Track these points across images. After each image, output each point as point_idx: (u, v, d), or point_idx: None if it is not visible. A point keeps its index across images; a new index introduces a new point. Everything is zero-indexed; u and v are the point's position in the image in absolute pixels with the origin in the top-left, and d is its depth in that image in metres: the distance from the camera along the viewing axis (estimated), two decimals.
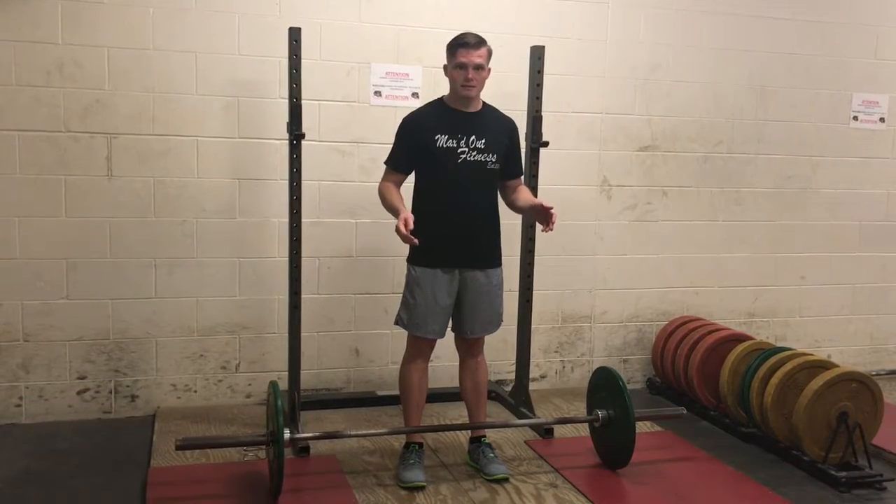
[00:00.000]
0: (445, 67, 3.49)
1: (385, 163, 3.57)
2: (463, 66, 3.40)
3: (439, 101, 3.57)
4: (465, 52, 3.39)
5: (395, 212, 3.39)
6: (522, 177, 3.72)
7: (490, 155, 3.50)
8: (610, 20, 4.76)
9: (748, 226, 5.18)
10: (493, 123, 3.56)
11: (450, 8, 4.48)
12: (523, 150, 4.13)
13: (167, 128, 4.19)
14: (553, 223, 3.43)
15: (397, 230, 3.26)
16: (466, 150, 3.46)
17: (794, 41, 5.09)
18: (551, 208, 3.40)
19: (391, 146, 3.56)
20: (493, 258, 3.60)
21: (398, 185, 3.55)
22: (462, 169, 3.46)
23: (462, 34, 3.45)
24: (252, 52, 4.24)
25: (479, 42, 3.42)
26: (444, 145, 3.44)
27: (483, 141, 3.48)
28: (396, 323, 3.62)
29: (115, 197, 4.16)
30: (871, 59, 5.27)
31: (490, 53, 3.47)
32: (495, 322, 3.66)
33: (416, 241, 3.25)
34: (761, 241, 5.22)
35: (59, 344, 4.18)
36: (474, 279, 3.54)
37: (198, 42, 4.17)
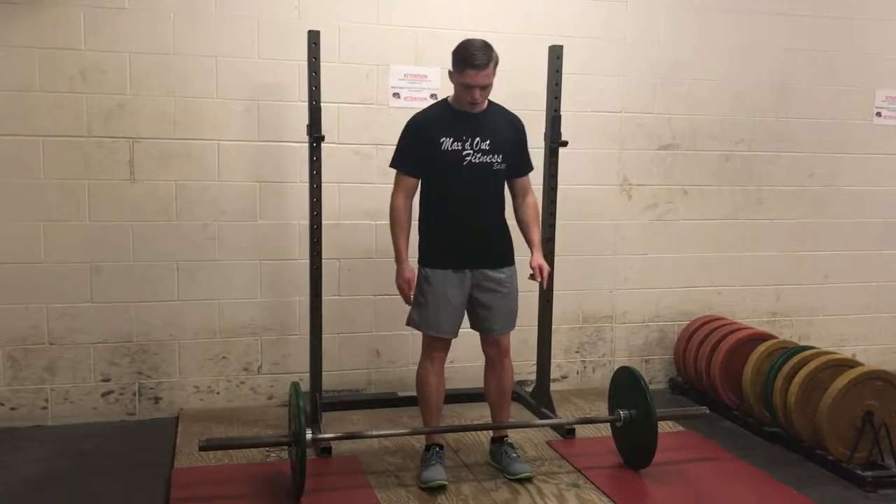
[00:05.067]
0: (451, 73, 3.43)
1: (393, 166, 3.53)
2: (469, 87, 3.35)
3: (444, 103, 3.55)
4: (473, 73, 3.31)
5: (398, 255, 3.49)
6: (529, 175, 3.67)
7: (496, 156, 3.47)
8: (628, 19, 4.75)
9: (770, 224, 5.15)
10: (499, 123, 3.53)
11: (467, 9, 4.49)
12: (542, 151, 4.14)
13: (188, 132, 4.23)
14: (543, 280, 3.59)
15: (399, 287, 3.50)
16: (471, 151, 3.44)
17: (815, 37, 5.05)
18: (541, 276, 3.55)
19: (396, 148, 3.54)
20: (503, 257, 3.58)
21: (411, 195, 3.52)
22: (468, 171, 3.44)
23: (469, 48, 3.34)
24: (271, 56, 4.27)
25: (487, 61, 3.31)
26: (450, 148, 3.42)
27: (488, 142, 3.45)
28: (408, 323, 3.62)
29: (137, 201, 4.20)
30: (893, 55, 5.22)
31: (497, 63, 3.38)
32: (513, 318, 3.65)
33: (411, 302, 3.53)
34: (783, 240, 5.18)
35: (84, 347, 4.22)
36: (486, 278, 3.53)
37: (218, 46, 4.21)
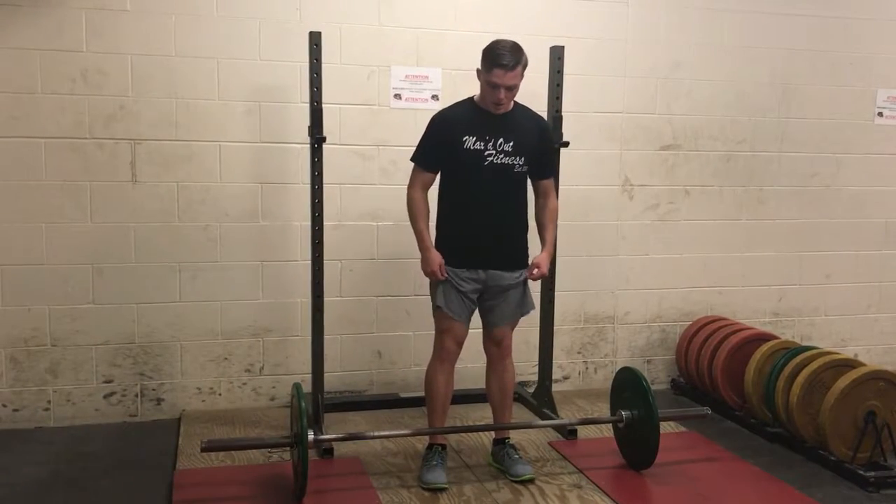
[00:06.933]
0: (479, 72, 3.42)
1: (413, 160, 3.54)
2: (496, 87, 3.35)
3: (470, 101, 3.53)
4: (500, 73, 3.31)
5: (421, 242, 3.48)
6: (552, 179, 3.69)
7: (517, 158, 3.46)
8: (630, 19, 4.74)
9: (772, 224, 5.14)
10: (523, 124, 3.51)
11: (469, 10, 4.48)
12: None
13: (190, 133, 4.23)
14: (533, 277, 3.60)
15: (430, 272, 3.47)
16: (493, 152, 3.43)
17: (817, 37, 5.04)
18: (533, 274, 3.57)
19: (418, 142, 3.54)
20: (518, 260, 3.59)
21: (427, 188, 3.53)
22: (488, 172, 3.44)
23: (500, 48, 3.34)
24: (273, 57, 4.27)
25: (516, 63, 3.32)
26: (472, 147, 3.42)
27: (511, 144, 3.44)
28: (435, 307, 3.56)
29: (139, 202, 4.20)
30: (895, 55, 5.21)
31: (525, 65, 3.39)
32: (523, 310, 3.64)
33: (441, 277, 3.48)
34: (785, 240, 5.17)
35: (86, 348, 4.23)
36: (499, 278, 3.54)
37: (219, 48, 4.21)
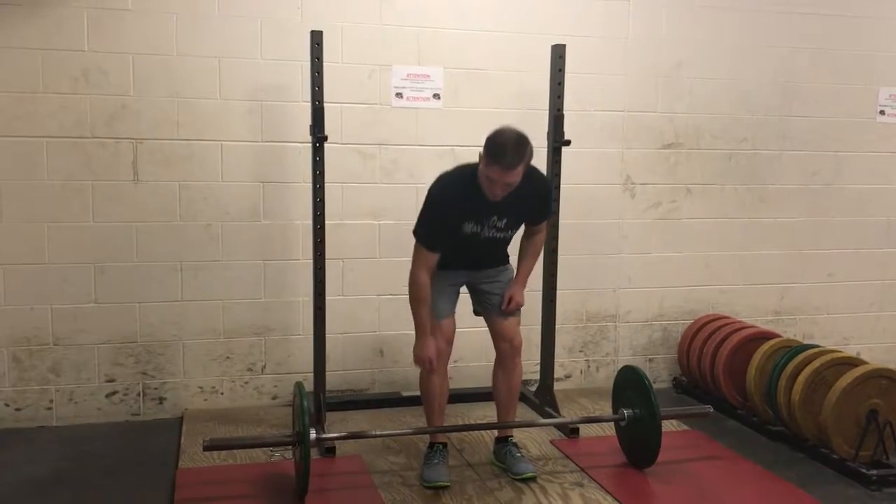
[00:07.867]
0: (480, 156, 3.26)
1: (416, 237, 3.45)
2: (493, 182, 3.24)
3: (472, 176, 3.34)
4: (499, 171, 3.18)
5: (420, 328, 3.46)
6: (545, 223, 3.69)
7: (509, 231, 3.51)
8: (631, 18, 4.74)
9: (774, 223, 5.14)
10: (521, 198, 3.38)
11: (470, 8, 4.48)
12: (546, 150, 4.12)
13: (191, 132, 4.23)
14: (505, 307, 3.59)
15: (427, 358, 3.45)
16: (487, 228, 3.45)
17: (818, 36, 5.04)
18: (508, 306, 3.58)
19: (420, 218, 3.45)
20: (501, 262, 3.66)
21: (431, 269, 3.44)
22: (481, 244, 3.48)
23: (502, 143, 3.19)
24: (274, 56, 4.27)
25: (517, 162, 3.17)
26: (469, 231, 3.43)
27: (504, 221, 3.44)
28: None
29: (141, 201, 4.21)
30: None
31: (529, 161, 3.26)
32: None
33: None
34: (787, 238, 5.17)
35: (88, 347, 4.23)
36: (486, 274, 3.61)
37: (220, 47, 4.21)
